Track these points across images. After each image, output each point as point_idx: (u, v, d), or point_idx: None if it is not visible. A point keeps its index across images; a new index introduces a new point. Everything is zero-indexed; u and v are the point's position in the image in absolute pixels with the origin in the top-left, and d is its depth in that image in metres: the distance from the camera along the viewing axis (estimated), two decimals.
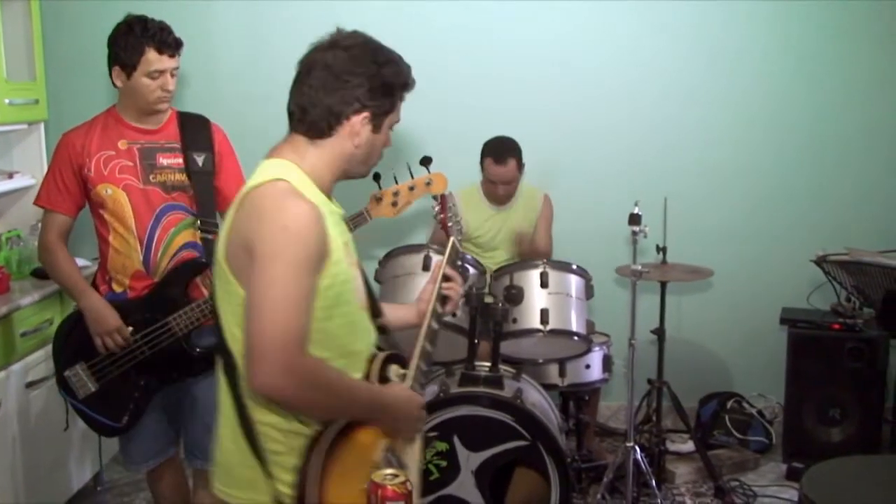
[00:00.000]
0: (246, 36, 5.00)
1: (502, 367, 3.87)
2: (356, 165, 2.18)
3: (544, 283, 3.92)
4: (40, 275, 4.10)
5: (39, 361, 3.88)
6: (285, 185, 2.00)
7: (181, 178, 3.25)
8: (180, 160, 3.27)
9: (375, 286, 4.13)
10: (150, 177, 3.23)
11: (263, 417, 2.08)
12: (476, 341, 3.82)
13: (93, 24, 4.87)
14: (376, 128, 2.13)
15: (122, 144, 3.24)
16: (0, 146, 4.49)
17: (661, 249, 4.37)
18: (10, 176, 4.41)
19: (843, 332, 4.63)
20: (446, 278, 2.55)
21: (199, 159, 3.28)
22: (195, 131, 3.33)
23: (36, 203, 3.36)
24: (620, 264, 4.27)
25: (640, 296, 4.06)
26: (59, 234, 3.28)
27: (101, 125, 3.27)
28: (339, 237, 2.08)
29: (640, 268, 3.96)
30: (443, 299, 2.53)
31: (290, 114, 2.14)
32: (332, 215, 2.09)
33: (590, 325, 4.04)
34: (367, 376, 2.18)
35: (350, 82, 2.07)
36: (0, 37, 4.10)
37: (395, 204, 3.40)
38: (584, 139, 5.10)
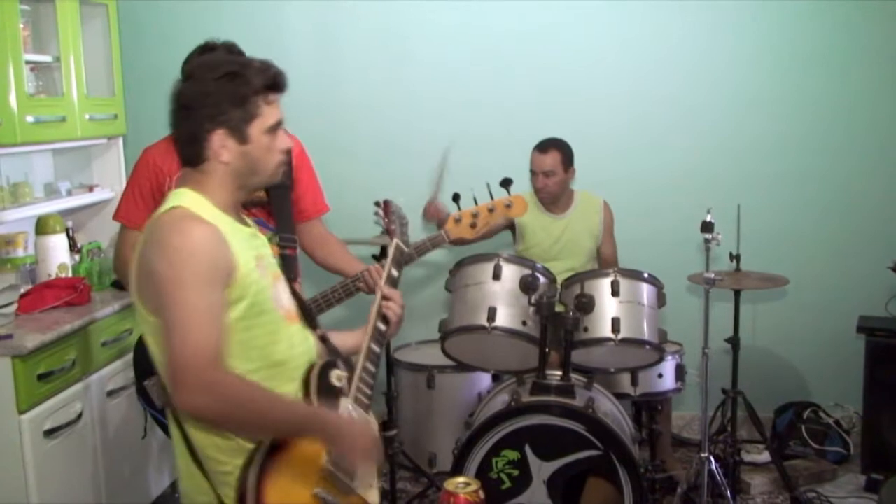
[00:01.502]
0: (315, 41, 5.02)
1: (574, 376, 3.85)
2: (247, 178, 2.21)
3: (615, 292, 3.88)
4: (119, 286, 4.18)
5: (119, 371, 3.96)
6: (181, 210, 2.08)
7: (259, 193, 3.23)
8: None
9: (445, 295, 4.17)
10: None
11: (204, 440, 2.15)
12: (547, 350, 3.81)
13: (169, 39, 5.04)
14: (242, 139, 2.16)
15: None
16: (80, 160, 4.62)
17: (735, 257, 4.31)
18: (91, 189, 4.54)
19: None
20: (386, 297, 2.55)
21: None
22: None
23: (115, 218, 3.39)
24: (693, 272, 4.24)
25: (714, 304, 4.01)
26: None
27: None
28: (247, 251, 2.15)
29: (713, 276, 3.90)
30: (384, 318, 2.54)
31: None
32: (237, 233, 2.16)
33: (662, 333, 3.96)
34: (306, 384, 2.23)
35: (194, 108, 2.14)
36: (81, 54, 4.23)
37: (473, 225, 3.41)
38: (655, 145, 5.09)
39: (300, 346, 2.28)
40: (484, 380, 4.40)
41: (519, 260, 3.98)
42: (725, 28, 4.99)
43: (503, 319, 3.80)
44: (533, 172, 4.50)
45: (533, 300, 3.82)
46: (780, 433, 4.91)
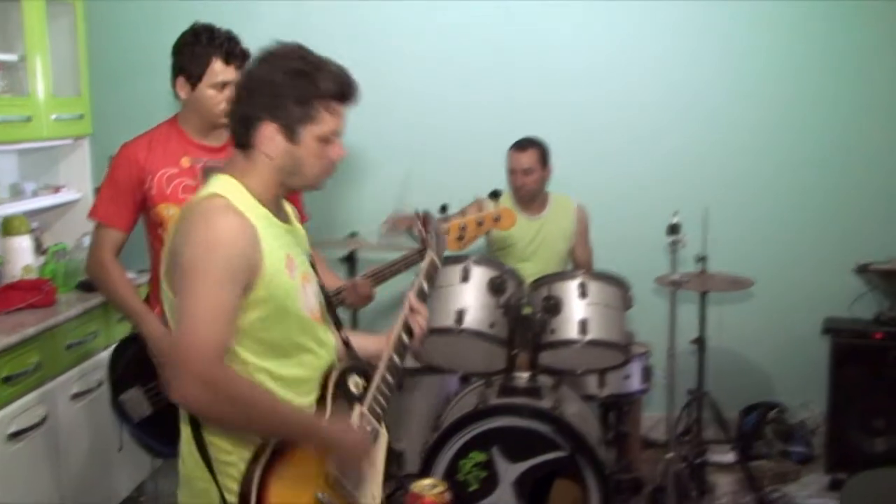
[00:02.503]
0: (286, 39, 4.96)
1: (541, 377, 3.87)
2: (288, 177, 2.16)
3: (583, 294, 3.89)
4: (85, 287, 4.15)
5: (84, 374, 3.92)
6: (220, 200, 2.05)
7: None
8: None
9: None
10: None
11: (212, 427, 2.12)
12: (515, 352, 3.82)
13: (137, 39, 5.00)
14: (291, 138, 2.11)
15: (184, 161, 3.15)
16: (46, 161, 4.57)
17: (701, 259, 4.33)
18: (57, 190, 4.50)
19: (886, 341, 4.59)
20: (413, 309, 2.51)
21: None
22: None
23: (91, 217, 3.25)
24: (660, 274, 4.26)
25: (680, 306, 4.06)
26: (114, 250, 3.17)
27: (163, 138, 3.17)
28: (279, 250, 2.11)
29: (679, 277, 3.96)
30: (409, 330, 2.49)
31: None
32: (271, 228, 2.12)
33: (629, 335, 4.01)
34: (323, 386, 2.22)
35: (258, 91, 2.10)
36: (47, 53, 4.17)
37: (461, 238, 3.35)
38: (623, 148, 5.10)
39: (322, 347, 2.26)
40: (452, 381, 4.38)
41: (488, 262, 3.98)
42: (691, 32, 5.02)
43: (471, 321, 3.79)
44: (511, 171, 4.51)
45: (501, 302, 3.82)
46: (745, 434, 4.94)
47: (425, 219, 2.93)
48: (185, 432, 2.19)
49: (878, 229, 5.01)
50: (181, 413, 2.19)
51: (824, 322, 4.80)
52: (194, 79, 3.06)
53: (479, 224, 3.35)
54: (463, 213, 3.52)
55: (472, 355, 3.94)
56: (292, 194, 3.22)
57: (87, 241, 4.34)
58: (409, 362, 4.06)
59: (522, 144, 4.50)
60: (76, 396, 3.86)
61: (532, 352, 3.82)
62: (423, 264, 2.69)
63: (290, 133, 2.11)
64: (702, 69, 5.04)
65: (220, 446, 2.12)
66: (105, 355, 3.97)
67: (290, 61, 2.11)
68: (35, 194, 4.40)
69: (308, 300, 2.22)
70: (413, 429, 4.34)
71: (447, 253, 3.60)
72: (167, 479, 4.01)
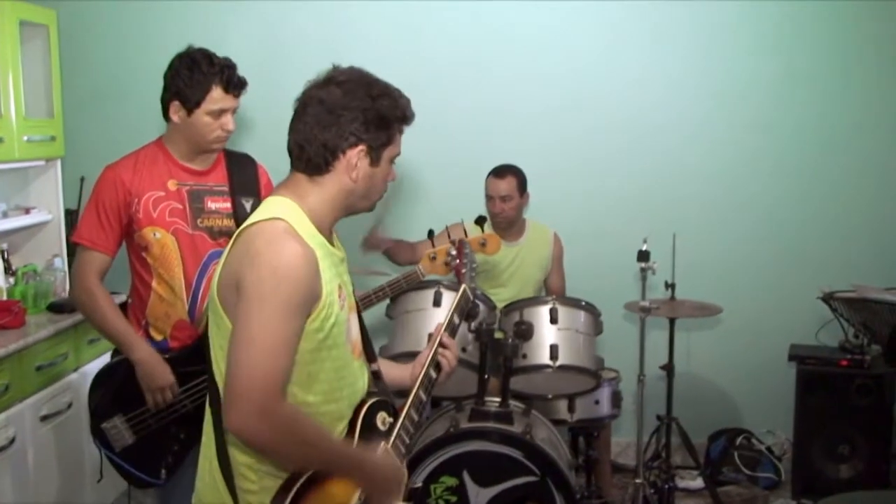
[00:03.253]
0: (259, 55, 4.81)
1: (512, 402, 3.87)
2: (358, 200, 2.16)
3: (554, 319, 3.93)
4: (55, 309, 4.13)
5: (54, 395, 3.90)
6: (282, 224, 2.00)
7: (229, 223, 3.12)
8: (228, 205, 3.15)
9: (387, 322, 4.18)
10: (198, 221, 3.10)
11: (240, 456, 2.09)
12: (486, 377, 3.81)
13: (110, 61, 4.99)
14: (374, 161, 2.12)
15: (171, 185, 3.10)
16: (17, 182, 4.55)
17: (670, 286, 4.36)
18: (27, 211, 4.48)
19: (851, 369, 4.62)
20: (443, 345, 2.49)
21: (247, 205, 3.13)
22: (242, 174, 3.21)
23: (76, 240, 3.14)
24: (629, 300, 4.29)
25: (650, 332, 4.09)
26: (99, 274, 3.10)
27: (149, 160, 3.12)
28: (333, 279, 2.07)
29: (648, 304, 3.99)
30: (437, 365, 2.47)
31: (290, 151, 2.14)
32: (328, 257, 2.09)
33: (599, 360, 4.04)
34: (352, 422, 2.18)
35: (344, 116, 2.07)
36: (20, 75, 4.17)
37: (447, 264, 3.39)
38: (591, 175, 5.11)
39: (359, 381, 2.23)
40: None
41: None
42: (660, 57, 5.05)
43: None
44: (489, 197, 4.52)
45: (473, 327, 3.83)
46: (713, 459, 4.96)
47: (460, 248, 2.90)
48: (209, 450, 2.16)
49: (844, 257, 5.04)
50: (205, 432, 2.17)
51: (790, 349, 4.83)
52: (191, 104, 3.02)
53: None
54: (449, 234, 3.58)
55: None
56: None
57: (58, 262, 4.39)
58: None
59: (501, 171, 4.51)
60: (45, 418, 3.83)
61: (503, 376, 3.82)
62: (456, 297, 2.66)
63: (375, 156, 2.11)
64: (671, 96, 5.07)
65: (245, 474, 2.10)
66: (75, 377, 4.00)
67: (372, 85, 2.11)
68: (5, 215, 4.39)
69: (352, 333, 2.20)
70: None
71: (432, 277, 3.70)
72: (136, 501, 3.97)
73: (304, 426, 2.01)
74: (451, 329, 2.56)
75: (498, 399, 3.83)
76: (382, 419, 2.23)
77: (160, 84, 3.09)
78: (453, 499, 3.62)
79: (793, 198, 5.11)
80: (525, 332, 3.91)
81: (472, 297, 2.71)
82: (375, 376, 2.35)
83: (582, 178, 5.11)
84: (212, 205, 3.13)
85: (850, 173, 5.07)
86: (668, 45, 5.04)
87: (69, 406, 3.92)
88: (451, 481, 3.62)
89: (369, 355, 2.34)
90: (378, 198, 2.21)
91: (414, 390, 2.36)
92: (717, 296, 4.48)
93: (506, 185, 4.47)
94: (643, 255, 4.04)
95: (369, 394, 2.26)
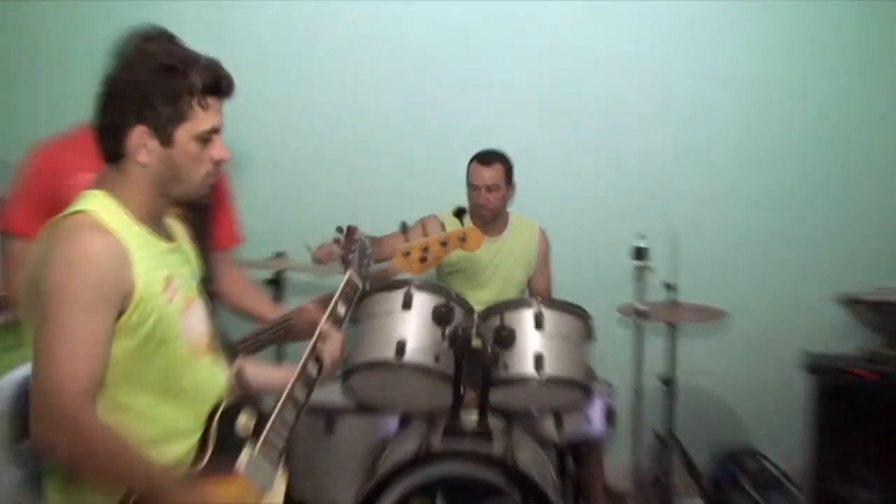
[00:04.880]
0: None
1: (491, 418, 3.81)
2: (169, 185, 2.17)
3: (539, 325, 3.85)
4: None
5: None
6: (83, 218, 2.04)
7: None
8: None
9: (349, 327, 4.10)
10: None
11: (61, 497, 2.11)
12: (462, 390, 3.77)
13: (39, 41, 4.98)
14: (165, 141, 2.12)
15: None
16: None
17: (670, 287, 4.35)
18: None
19: (874, 380, 4.58)
20: (323, 335, 2.50)
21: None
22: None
23: (5, 229, 3.18)
24: (624, 303, 4.27)
25: (647, 339, 4.11)
26: None
27: (80, 142, 3.00)
28: (156, 270, 2.11)
29: (645, 307, 3.99)
30: (318, 360, 2.47)
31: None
32: (147, 247, 2.12)
33: (590, 371, 3.96)
34: (206, 428, 2.18)
35: (122, 96, 2.10)
36: None
37: (423, 259, 3.36)
38: (578, 162, 5.12)
39: (207, 382, 2.24)
40: (390, 423, 4.31)
41: (432, 287, 3.93)
42: (661, 45, 5.09)
43: (413, 354, 3.73)
44: (473, 186, 4.49)
45: (447, 333, 3.78)
46: (717, 482, 4.93)
47: (349, 233, 2.90)
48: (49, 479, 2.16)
49: (863, 257, 5.05)
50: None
51: (806, 358, 4.81)
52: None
53: (444, 244, 3.36)
54: (424, 228, 3.57)
55: (412, 393, 3.88)
56: (216, 212, 3.34)
57: None
58: (339, 400, 4.09)
59: (487, 158, 4.47)
60: None
61: (481, 389, 3.77)
62: (341, 284, 2.67)
63: (163, 135, 2.12)
64: (675, 85, 5.11)
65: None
66: None
67: (154, 58, 2.12)
68: None
69: (191, 326, 2.21)
70: (345, 477, 4.26)
71: (409, 276, 3.66)
72: None
73: (111, 443, 2.00)
74: (335, 319, 2.58)
75: (475, 415, 3.77)
76: (245, 424, 2.24)
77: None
78: None
79: (807, 191, 5.13)
80: (506, 338, 3.83)
81: (359, 284, 2.73)
82: (237, 376, 2.35)
83: (569, 165, 5.13)
84: None
85: (871, 167, 5.12)
86: (671, 34, 5.08)
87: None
88: None
89: (228, 354, 2.37)
90: (202, 181, 2.21)
91: (289, 386, 2.36)
92: (723, 298, 4.45)
93: (492, 174, 4.44)
94: (640, 253, 4.05)
95: (230, 396, 2.27)
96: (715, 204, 5.11)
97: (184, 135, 2.13)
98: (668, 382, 4.37)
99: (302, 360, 2.41)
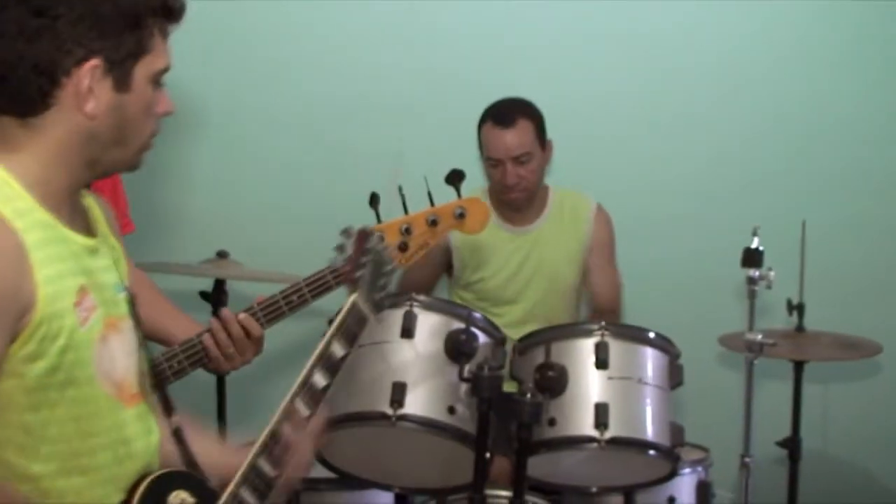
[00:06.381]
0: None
1: (531, 497, 3.39)
2: (107, 148, 1.93)
3: (602, 362, 3.36)
4: None
5: None
6: None
7: None
8: None
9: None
10: None
11: None
12: (489, 455, 3.26)
13: None
14: (121, 83, 1.88)
15: None
16: None
17: (796, 307, 3.97)
18: None
19: None
20: (289, 412, 2.15)
21: None
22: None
23: None
24: (728, 331, 3.95)
25: (761, 383, 3.85)
26: None
27: None
28: (65, 278, 1.87)
29: (761, 338, 3.63)
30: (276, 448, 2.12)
31: None
32: (57, 244, 1.89)
33: (676, 430, 3.47)
34: None
35: (62, 17, 1.83)
36: None
37: (404, 247, 3.02)
38: (672, 133, 4.82)
39: (133, 443, 2.01)
40: (382, 502, 3.96)
41: (444, 306, 3.53)
42: (773, 19, 4.82)
43: (416, 404, 3.30)
44: (492, 161, 4.04)
45: (466, 373, 3.27)
46: None
47: (360, 238, 2.47)
48: None
49: None
50: None
51: None
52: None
53: (432, 223, 3.03)
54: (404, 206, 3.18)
55: (416, 459, 3.51)
56: (104, 183, 3.12)
57: None
58: (315, 471, 3.64)
59: (505, 116, 4.00)
60: None
61: (517, 455, 3.24)
62: (340, 315, 2.27)
63: (121, 74, 1.88)
64: (787, 56, 4.84)
65: None
66: None
67: None
68: None
69: (111, 363, 1.96)
70: None
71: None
72: None
73: None
74: (328, 363, 2.20)
75: (508, 493, 3.36)
76: (180, 499, 2.04)
77: None
78: None
79: None
80: (554, 381, 3.35)
81: (368, 317, 2.31)
82: (176, 436, 2.14)
83: (655, 141, 4.81)
84: None
85: None
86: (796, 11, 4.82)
87: None
88: None
89: (164, 404, 2.16)
90: (145, 143, 2.00)
91: (250, 460, 2.08)
92: (872, 326, 4.16)
93: (517, 137, 3.98)
94: (752, 258, 3.61)
95: (160, 464, 2.10)
96: (859, 188, 4.78)
97: (142, 74, 1.92)
98: (792, 448, 3.96)
99: (259, 442, 2.09)
